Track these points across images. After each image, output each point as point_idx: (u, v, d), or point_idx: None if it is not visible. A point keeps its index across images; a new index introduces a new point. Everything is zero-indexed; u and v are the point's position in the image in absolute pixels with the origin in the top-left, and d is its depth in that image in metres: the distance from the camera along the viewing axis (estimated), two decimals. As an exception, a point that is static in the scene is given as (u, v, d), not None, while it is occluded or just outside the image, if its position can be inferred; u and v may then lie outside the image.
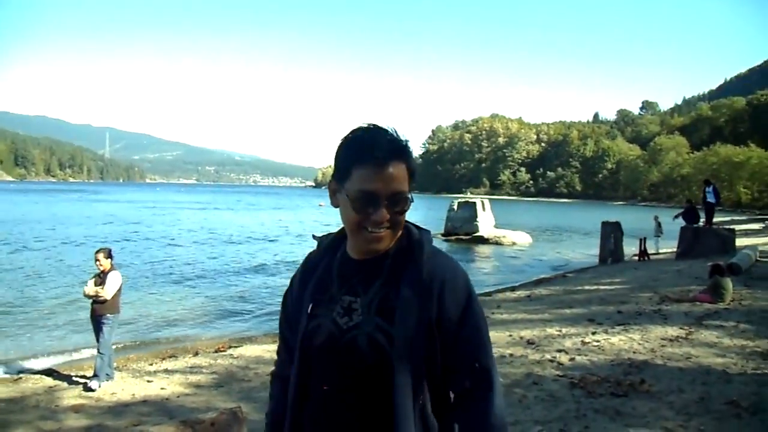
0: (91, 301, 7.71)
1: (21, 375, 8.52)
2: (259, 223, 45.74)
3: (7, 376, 8.55)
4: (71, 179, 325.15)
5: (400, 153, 1.44)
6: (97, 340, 7.72)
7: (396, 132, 1.48)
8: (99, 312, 7.64)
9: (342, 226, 1.58)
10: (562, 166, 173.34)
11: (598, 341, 8.16)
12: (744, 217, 56.66)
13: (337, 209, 1.50)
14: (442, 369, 1.47)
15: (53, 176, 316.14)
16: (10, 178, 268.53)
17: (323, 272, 1.57)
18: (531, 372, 6.84)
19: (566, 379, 6.32)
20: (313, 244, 1.71)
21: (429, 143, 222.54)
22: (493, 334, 9.07)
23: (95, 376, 7.57)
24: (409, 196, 1.46)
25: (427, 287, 1.45)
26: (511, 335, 9.13)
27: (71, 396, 7.20)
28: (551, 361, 7.27)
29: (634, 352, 7.46)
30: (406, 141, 1.49)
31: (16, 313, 13.00)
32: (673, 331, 8.63)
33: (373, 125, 1.49)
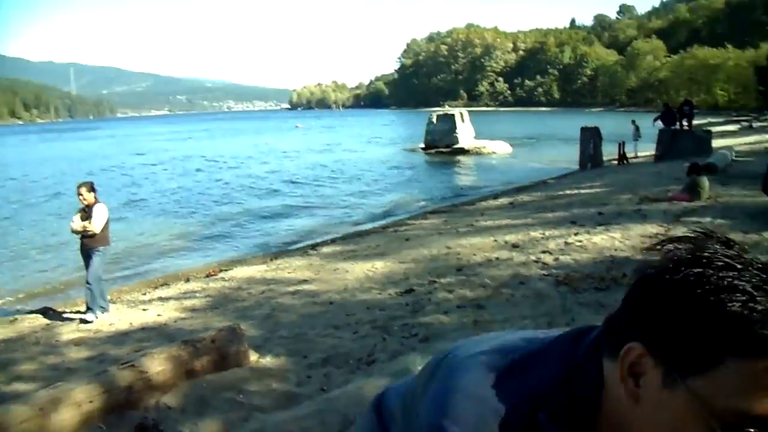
0: (80, 236, 7.73)
1: (16, 317, 8.55)
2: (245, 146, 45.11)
3: (2, 318, 8.62)
4: (39, 120, 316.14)
5: None
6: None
7: None
8: (89, 245, 7.64)
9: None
10: (540, 75, 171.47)
11: (580, 241, 8.38)
12: (721, 119, 56.81)
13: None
14: None
15: (19, 118, 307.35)
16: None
17: None
18: (517, 273, 7.05)
19: (551, 278, 6.54)
20: None
21: (404, 57, 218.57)
22: (479, 240, 9.39)
23: (89, 309, 7.66)
24: None
25: None
26: (496, 240, 9.32)
27: (69, 331, 7.30)
28: (536, 261, 7.49)
29: (615, 250, 7.70)
30: None
31: (4, 257, 13.03)
32: (652, 228, 8.85)
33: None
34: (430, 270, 7.89)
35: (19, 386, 5.06)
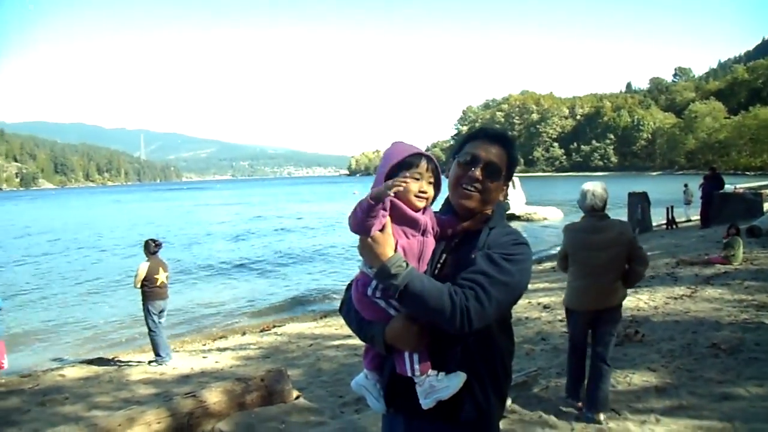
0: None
1: (92, 360, 9.54)
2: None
3: (80, 361, 9.61)
4: (110, 183, 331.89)
5: (502, 139, 2.04)
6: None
7: (504, 131, 2.15)
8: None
9: None
10: (596, 139, 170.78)
11: (607, 303, 8.84)
12: (784, 180, 55.43)
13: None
14: None
15: (92, 181, 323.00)
16: (50, 186, 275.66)
17: None
18: (542, 330, 7.64)
19: (571, 336, 7.07)
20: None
21: (460, 124, 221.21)
22: (513, 302, 9.93)
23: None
24: (502, 171, 1.99)
25: None
26: (530, 302, 9.89)
27: (138, 372, 8.23)
28: (561, 321, 8.01)
29: (638, 310, 8.17)
30: (511, 134, 2.16)
31: (85, 309, 14.36)
32: (680, 290, 9.29)
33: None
34: (464, 326, 8.49)
35: (97, 413, 5.92)
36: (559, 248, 5.10)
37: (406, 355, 1.84)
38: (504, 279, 1.78)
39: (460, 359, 1.84)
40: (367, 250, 1.79)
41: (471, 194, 1.94)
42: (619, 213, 28.52)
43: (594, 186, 4.81)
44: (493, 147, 1.97)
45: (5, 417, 6.44)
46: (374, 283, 1.82)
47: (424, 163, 1.85)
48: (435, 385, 1.82)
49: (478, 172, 1.93)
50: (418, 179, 1.84)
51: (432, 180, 1.89)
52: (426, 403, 1.83)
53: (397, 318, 1.83)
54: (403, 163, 1.84)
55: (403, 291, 1.72)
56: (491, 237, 1.92)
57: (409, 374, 1.84)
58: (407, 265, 1.76)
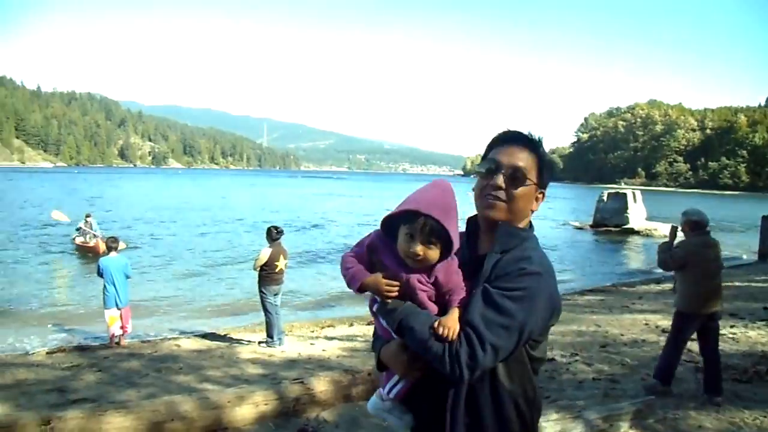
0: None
1: (206, 334, 10.02)
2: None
3: (195, 334, 10.11)
4: (232, 167, 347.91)
5: (526, 141, 1.81)
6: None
7: (530, 132, 1.84)
8: None
9: None
10: (726, 156, 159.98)
11: (734, 334, 8.25)
12: None
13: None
14: None
15: (216, 164, 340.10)
16: (179, 165, 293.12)
17: None
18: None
19: (692, 364, 6.62)
20: None
21: (581, 131, 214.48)
22: (630, 322, 9.58)
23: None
24: (529, 175, 1.77)
25: None
26: (647, 324, 9.40)
27: (248, 351, 8.54)
28: (681, 346, 7.53)
29: (770, 346, 7.53)
30: (536, 136, 1.83)
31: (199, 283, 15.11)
32: (821, 328, 8.49)
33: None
34: (575, 343, 8.18)
35: (207, 386, 6.18)
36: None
37: (394, 377, 1.83)
38: (502, 321, 1.60)
39: (463, 401, 1.69)
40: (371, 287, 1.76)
41: (494, 203, 1.75)
42: (750, 236, 26.80)
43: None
44: (517, 150, 1.78)
45: (127, 378, 6.88)
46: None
47: (420, 222, 1.64)
48: (388, 413, 1.86)
49: (500, 179, 1.74)
50: (409, 237, 1.67)
51: (432, 240, 1.66)
52: (372, 408, 1.91)
53: (394, 341, 1.77)
54: (402, 216, 1.69)
55: (398, 326, 1.68)
56: (500, 265, 1.70)
57: (384, 392, 1.85)
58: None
